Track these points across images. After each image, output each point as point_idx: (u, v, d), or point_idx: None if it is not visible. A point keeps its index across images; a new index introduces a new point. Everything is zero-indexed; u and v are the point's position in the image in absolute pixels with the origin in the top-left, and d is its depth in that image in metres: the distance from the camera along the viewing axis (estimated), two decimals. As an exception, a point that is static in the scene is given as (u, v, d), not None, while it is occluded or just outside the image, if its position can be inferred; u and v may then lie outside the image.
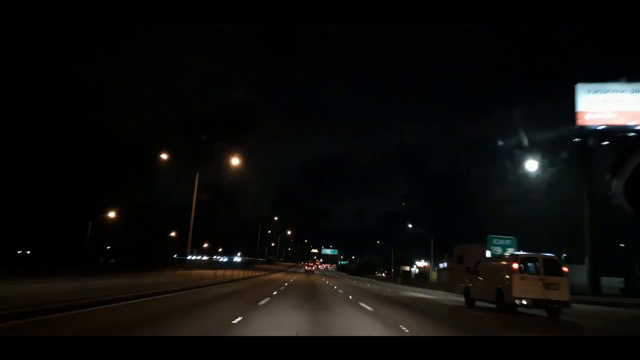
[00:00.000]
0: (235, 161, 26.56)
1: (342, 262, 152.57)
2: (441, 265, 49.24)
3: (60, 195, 38.53)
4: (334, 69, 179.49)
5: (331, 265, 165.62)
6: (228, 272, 26.27)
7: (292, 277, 38.35)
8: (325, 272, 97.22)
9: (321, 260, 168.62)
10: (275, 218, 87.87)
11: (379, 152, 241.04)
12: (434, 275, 55.13)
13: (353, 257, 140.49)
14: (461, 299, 18.08)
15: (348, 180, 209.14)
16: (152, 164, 51.74)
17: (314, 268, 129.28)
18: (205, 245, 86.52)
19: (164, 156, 26.59)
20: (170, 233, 63.68)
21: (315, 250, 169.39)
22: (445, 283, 38.83)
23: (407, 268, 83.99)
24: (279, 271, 62.74)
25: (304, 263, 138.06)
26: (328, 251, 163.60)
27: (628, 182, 2.46)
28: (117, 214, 47.73)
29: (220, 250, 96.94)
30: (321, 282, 31.47)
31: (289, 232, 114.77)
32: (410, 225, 46.28)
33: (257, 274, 37.60)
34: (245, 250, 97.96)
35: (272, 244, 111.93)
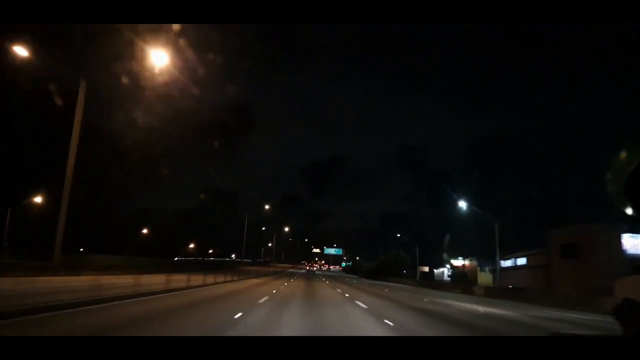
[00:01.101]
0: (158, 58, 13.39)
1: (345, 264, 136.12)
2: (506, 264, 35.19)
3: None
4: (335, 69, 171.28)
5: (333, 266, 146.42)
6: (143, 279, 12.60)
7: (280, 286, 23.41)
8: (328, 274, 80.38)
9: (323, 261, 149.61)
10: (267, 207, 70.02)
11: (381, 152, 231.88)
12: (484, 278, 41.23)
13: (357, 258, 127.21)
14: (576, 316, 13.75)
15: (349, 181, 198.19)
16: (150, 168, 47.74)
17: (315, 268, 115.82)
18: (192, 245, 75.97)
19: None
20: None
21: (317, 250, 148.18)
22: (533, 293, 25.03)
23: (426, 269, 71.83)
24: (266, 275, 44.65)
25: (306, 263, 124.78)
26: (331, 251, 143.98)
27: (628, 182, 2.33)
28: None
29: (210, 251, 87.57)
30: (339, 299, 16.54)
31: (286, 229, 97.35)
32: (462, 205, 32.09)
33: (217, 280, 22.55)
34: (242, 252, 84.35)
35: (269, 244, 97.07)
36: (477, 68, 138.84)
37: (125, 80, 19.17)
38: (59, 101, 19.02)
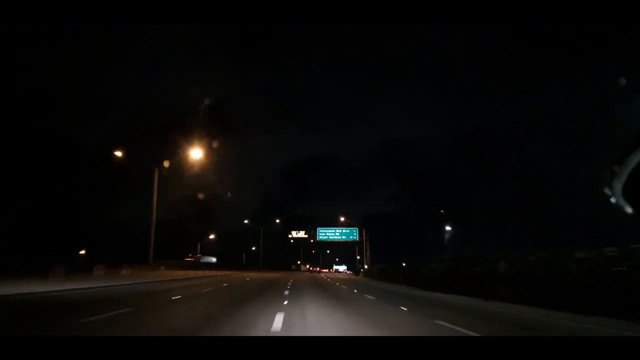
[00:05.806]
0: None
1: (339, 267, 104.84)
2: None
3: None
4: (314, 63, 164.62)
5: (327, 269, 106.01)
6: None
7: None
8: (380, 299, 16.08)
9: (308, 265, 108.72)
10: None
11: (365, 150, 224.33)
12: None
13: (358, 257, 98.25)
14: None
15: (332, 183, 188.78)
16: (118, 176, 44.83)
17: (317, 269, 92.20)
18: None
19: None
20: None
21: (302, 234, 73.59)
22: None
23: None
24: None
25: (303, 266, 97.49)
26: (335, 233, 67.30)
27: (627, 182, 2.32)
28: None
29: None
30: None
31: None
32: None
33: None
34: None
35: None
36: (462, 61, 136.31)
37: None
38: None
